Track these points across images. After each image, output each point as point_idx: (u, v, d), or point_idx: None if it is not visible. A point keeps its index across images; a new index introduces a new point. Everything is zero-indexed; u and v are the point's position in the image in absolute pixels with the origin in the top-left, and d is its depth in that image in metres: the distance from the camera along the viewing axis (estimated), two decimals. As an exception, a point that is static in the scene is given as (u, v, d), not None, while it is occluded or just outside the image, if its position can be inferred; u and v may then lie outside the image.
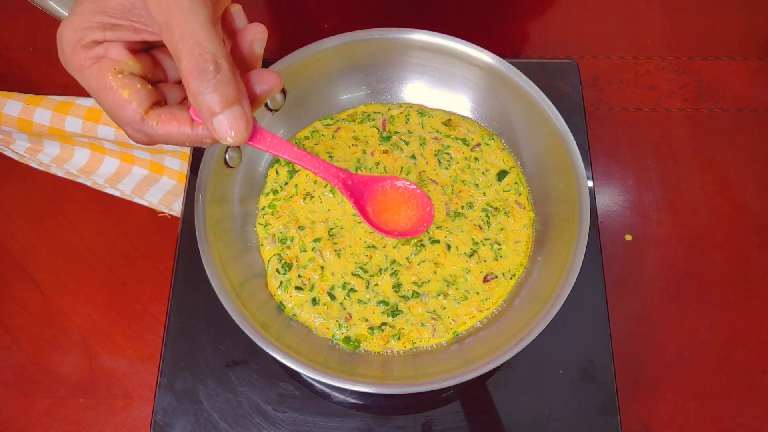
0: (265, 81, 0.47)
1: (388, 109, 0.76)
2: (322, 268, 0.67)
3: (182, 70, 0.42)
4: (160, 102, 0.47)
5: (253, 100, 0.47)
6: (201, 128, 0.46)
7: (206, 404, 0.65)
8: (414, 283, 0.67)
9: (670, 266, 0.81)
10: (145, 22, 0.44)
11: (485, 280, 0.67)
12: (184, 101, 0.49)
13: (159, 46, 0.49)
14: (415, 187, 0.60)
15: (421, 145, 0.73)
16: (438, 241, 0.68)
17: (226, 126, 0.44)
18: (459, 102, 0.75)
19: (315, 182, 0.71)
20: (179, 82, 0.50)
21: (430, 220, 0.60)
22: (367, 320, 0.65)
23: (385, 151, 0.73)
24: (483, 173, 0.72)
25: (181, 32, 0.41)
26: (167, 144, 0.47)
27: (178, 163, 0.86)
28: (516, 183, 0.72)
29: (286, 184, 0.72)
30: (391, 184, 0.60)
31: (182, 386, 0.65)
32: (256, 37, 0.48)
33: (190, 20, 0.41)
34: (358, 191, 0.58)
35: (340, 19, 0.96)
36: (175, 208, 0.83)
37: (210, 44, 0.42)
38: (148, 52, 0.48)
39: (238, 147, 0.68)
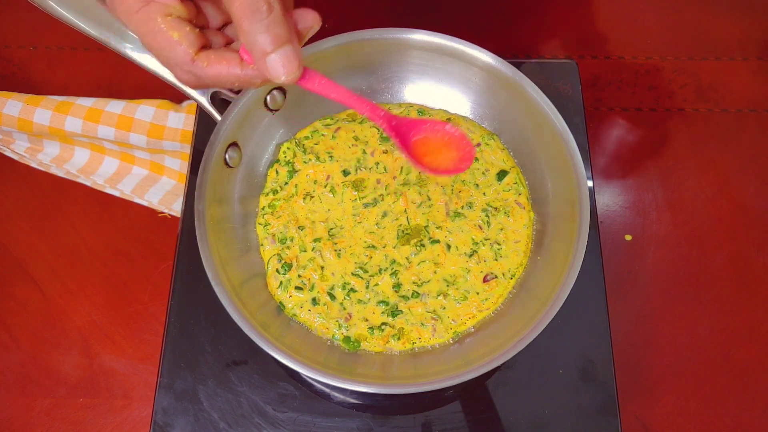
0: (306, 19, 0.49)
1: (389, 109, 0.76)
2: (322, 268, 0.67)
3: (235, 11, 0.43)
4: (206, 45, 0.48)
5: (297, 38, 0.48)
6: (251, 68, 0.47)
7: (206, 404, 0.65)
8: (414, 283, 0.67)
9: (670, 266, 0.81)
10: None
11: (485, 280, 0.67)
12: (226, 47, 0.50)
13: None
14: (454, 130, 0.60)
15: (421, 145, 0.73)
16: (438, 241, 0.68)
17: (279, 65, 0.45)
18: (459, 102, 0.75)
19: (315, 182, 0.71)
20: (220, 29, 0.51)
21: (470, 159, 0.60)
22: (367, 320, 0.65)
23: (385, 151, 0.73)
24: (483, 173, 0.72)
25: None
26: (215, 86, 0.49)
27: (178, 163, 0.86)
28: (516, 183, 0.72)
29: (286, 184, 0.72)
30: (431, 127, 0.59)
31: (182, 386, 0.65)
32: None
33: None
34: (403, 133, 0.58)
35: (340, 19, 0.96)
36: (175, 208, 0.83)
37: None
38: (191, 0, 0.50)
39: (238, 146, 0.68)
